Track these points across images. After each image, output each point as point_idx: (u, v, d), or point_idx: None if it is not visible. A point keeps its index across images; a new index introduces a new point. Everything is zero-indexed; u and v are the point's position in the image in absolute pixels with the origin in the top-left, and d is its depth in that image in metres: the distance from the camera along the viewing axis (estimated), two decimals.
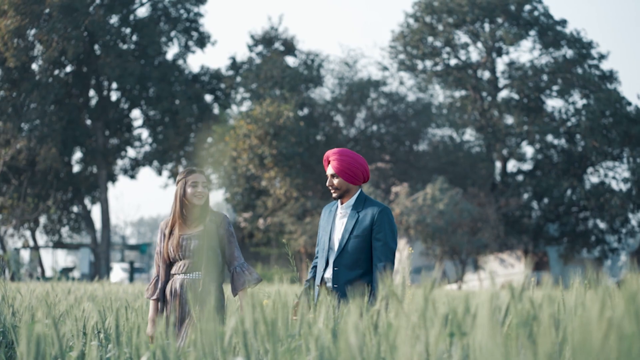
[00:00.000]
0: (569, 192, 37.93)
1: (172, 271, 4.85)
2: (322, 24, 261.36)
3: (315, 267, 4.92)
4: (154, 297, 4.84)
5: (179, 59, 39.12)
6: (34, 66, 35.91)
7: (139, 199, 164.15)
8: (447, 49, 40.18)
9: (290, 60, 39.00)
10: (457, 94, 40.99)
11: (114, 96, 39.27)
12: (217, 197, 39.17)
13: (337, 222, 4.79)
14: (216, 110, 40.02)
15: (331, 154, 4.79)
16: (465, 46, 40.00)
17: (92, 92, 38.75)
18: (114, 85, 38.54)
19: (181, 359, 2.56)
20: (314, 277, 4.90)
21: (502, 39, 38.74)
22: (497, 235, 34.86)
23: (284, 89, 35.53)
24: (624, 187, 37.48)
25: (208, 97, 39.86)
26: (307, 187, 35.37)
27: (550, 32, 38.71)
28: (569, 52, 38.73)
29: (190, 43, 39.28)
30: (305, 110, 36.95)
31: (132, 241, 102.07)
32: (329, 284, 4.69)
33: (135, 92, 38.28)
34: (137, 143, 39.83)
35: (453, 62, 40.43)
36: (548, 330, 1.84)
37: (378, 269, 4.54)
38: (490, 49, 39.53)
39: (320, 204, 33.66)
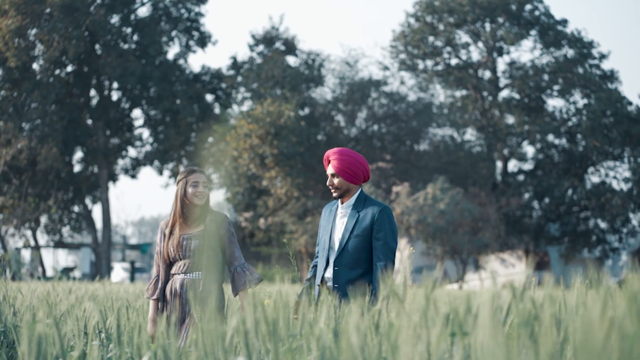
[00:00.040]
0: (569, 191, 37.92)
1: (172, 271, 4.84)
2: (323, 23, 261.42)
3: (315, 266, 4.91)
4: (154, 297, 4.83)
5: (179, 59, 39.13)
6: (35, 66, 35.92)
7: (140, 198, 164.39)
8: (448, 48, 40.16)
9: (291, 60, 39.01)
10: (458, 93, 40.98)
11: (114, 96, 39.30)
12: (218, 196, 39.13)
13: (338, 222, 4.78)
14: (217, 109, 40.03)
15: (331, 154, 4.78)
16: (466, 46, 39.98)
17: (93, 92, 38.77)
18: (115, 84, 38.56)
19: (182, 359, 2.56)
20: (314, 276, 4.90)
21: (503, 38, 38.71)
22: (498, 235, 34.84)
23: (285, 88, 35.53)
24: (624, 186, 37.47)
25: (209, 97, 39.88)
26: (308, 186, 35.36)
27: (551, 32, 38.68)
28: (570, 52, 38.70)
29: (191, 43, 39.29)
30: (306, 110, 36.94)
31: (133, 241, 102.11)
32: (330, 284, 4.69)
33: (136, 91, 38.29)
34: (138, 143, 39.86)
35: (454, 61, 40.42)
36: (549, 330, 1.84)
37: (378, 269, 4.54)
38: (491, 49, 39.51)
39: (321, 204, 33.65)
